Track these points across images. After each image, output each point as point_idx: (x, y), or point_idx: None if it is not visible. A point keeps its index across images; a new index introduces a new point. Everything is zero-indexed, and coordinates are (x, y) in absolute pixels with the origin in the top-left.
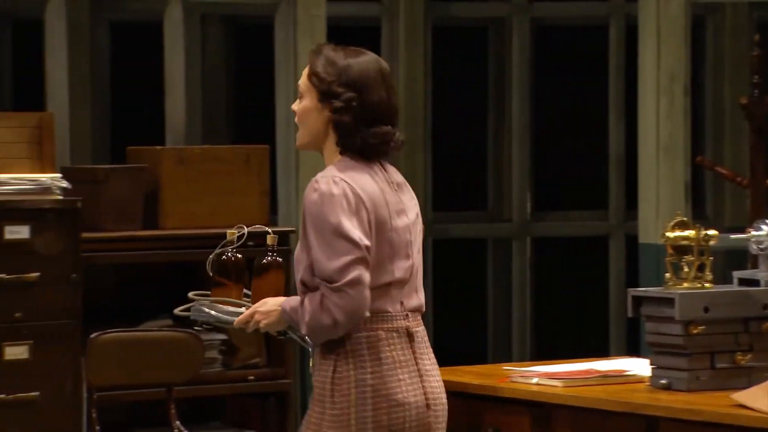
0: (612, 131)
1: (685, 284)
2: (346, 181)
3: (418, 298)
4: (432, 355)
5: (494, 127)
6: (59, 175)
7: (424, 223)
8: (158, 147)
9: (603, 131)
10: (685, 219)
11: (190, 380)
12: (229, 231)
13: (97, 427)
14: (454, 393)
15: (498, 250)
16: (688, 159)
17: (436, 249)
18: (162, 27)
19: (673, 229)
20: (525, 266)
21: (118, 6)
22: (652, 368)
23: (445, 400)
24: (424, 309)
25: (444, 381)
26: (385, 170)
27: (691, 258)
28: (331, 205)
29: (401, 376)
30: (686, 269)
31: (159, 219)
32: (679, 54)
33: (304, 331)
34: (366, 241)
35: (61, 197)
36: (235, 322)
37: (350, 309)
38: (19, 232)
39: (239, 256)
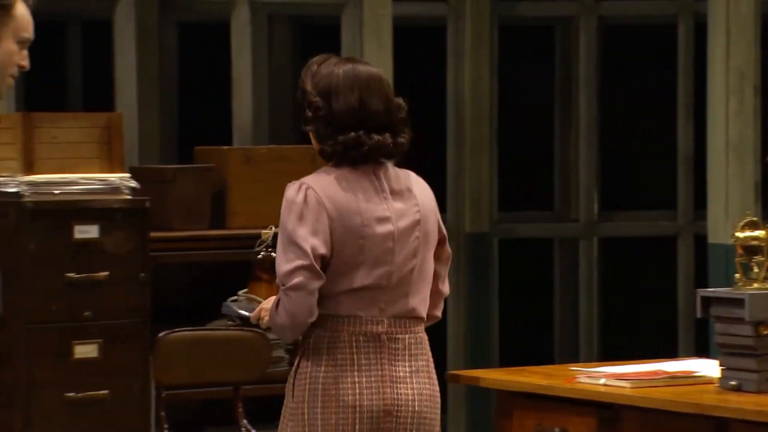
0: (680, 130)
1: (755, 285)
2: (312, 188)
3: (407, 303)
4: (419, 363)
5: (561, 127)
6: (128, 174)
7: (490, 222)
8: (225, 147)
9: (671, 130)
10: (755, 219)
11: (257, 379)
12: (263, 231)
13: (166, 426)
14: (521, 393)
15: (565, 250)
16: (757, 158)
17: (502, 249)
18: (229, 27)
19: (742, 229)
20: (592, 266)
21: (186, 6)
22: (722, 369)
23: (420, 409)
24: (421, 315)
25: (510, 381)
26: (381, 177)
27: (762, 258)
28: (289, 211)
29: (357, 379)
30: (756, 269)
31: (226, 218)
32: (748, 53)
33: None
34: (320, 250)
35: (129, 197)
36: (250, 318)
37: (291, 311)
38: (89, 231)
39: (273, 254)
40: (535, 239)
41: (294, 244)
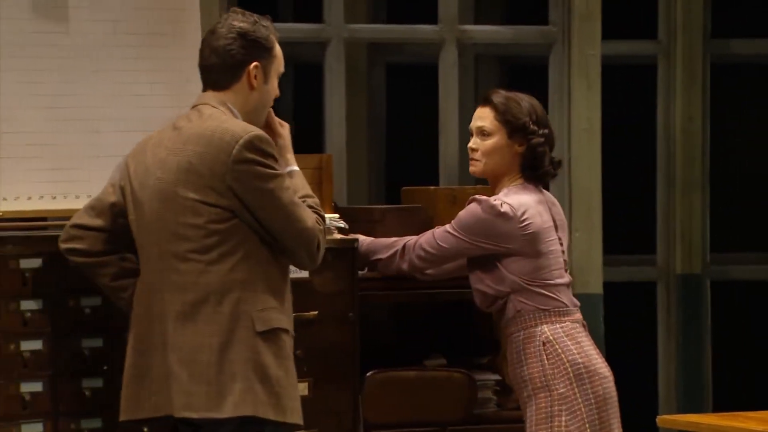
0: None
1: None
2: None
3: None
4: None
5: None
6: (337, 215)
7: (702, 263)
8: (432, 187)
9: None
10: None
11: (464, 419)
12: None
13: None
14: None
15: None
16: None
17: (715, 291)
18: (437, 68)
19: None
20: None
21: (394, 49)
22: None
23: None
24: None
25: (724, 426)
26: (543, 192)
27: None
28: (479, 218)
29: (597, 356)
30: None
31: None
32: None
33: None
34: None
35: (339, 237)
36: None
37: None
38: (299, 271)
39: None
40: (750, 281)
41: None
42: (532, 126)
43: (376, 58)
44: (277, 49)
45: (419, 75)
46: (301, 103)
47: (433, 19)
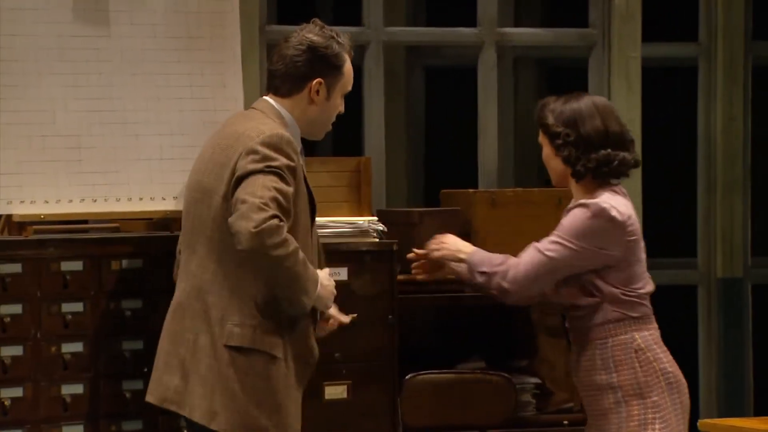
0: None
1: None
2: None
3: None
4: None
5: None
6: (375, 218)
7: (743, 267)
8: (471, 190)
9: None
10: None
11: (503, 423)
12: None
13: None
14: None
15: None
16: None
17: (756, 295)
18: (476, 71)
19: None
20: None
21: (432, 51)
22: None
23: None
24: None
25: (766, 430)
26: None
27: None
28: (591, 226)
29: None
30: None
31: None
32: None
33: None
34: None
35: (377, 240)
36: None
37: None
38: (338, 273)
39: None
40: None
41: None
42: (555, 128)
43: (414, 61)
44: (347, 68)
45: (458, 78)
46: None
47: (472, 21)
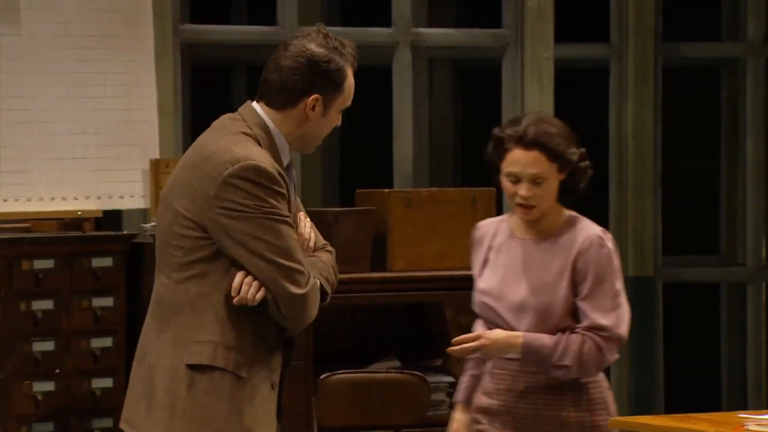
0: None
1: None
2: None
3: None
4: None
5: (727, 169)
6: None
7: (654, 266)
8: (386, 190)
9: None
10: None
11: (418, 422)
12: None
13: None
14: None
15: (732, 294)
16: None
17: (667, 293)
18: (390, 71)
19: None
20: (760, 311)
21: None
22: None
23: None
24: None
25: (676, 428)
26: None
27: None
28: (617, 260)
29: None
30: None
31: (387, 261)
32: None
33: (563, 370)
34: None
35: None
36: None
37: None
38: None
39: None
40: (701, 283)
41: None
42: (578, 155)
43: None
44: (348, 84)
45: (373, 78)
46: None
47: (386, 22)
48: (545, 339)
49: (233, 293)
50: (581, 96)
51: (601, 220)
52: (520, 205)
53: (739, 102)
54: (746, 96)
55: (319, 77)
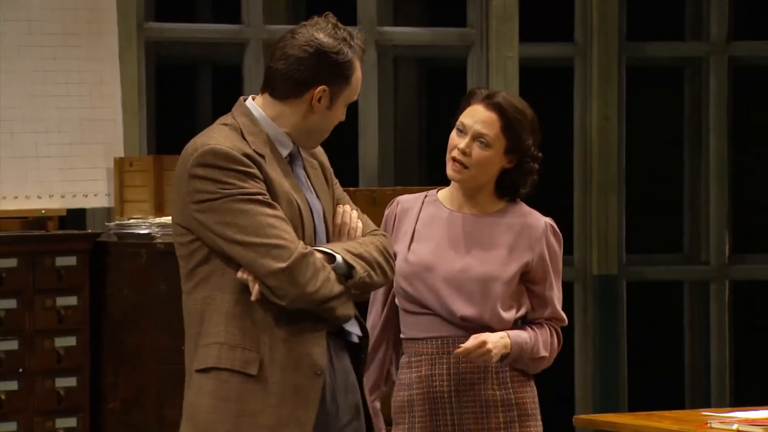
0: None
1: None
2: None
3: None
4: None
5: (691, 168)
6: None
7: (618, 264)
8: (352, 188)
9: None
10: None
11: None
12: None
13: None
14: None
15: (695, 293)
16: None
17: (630, 291)
18: None
19: None
20: (723, 310)
21: None
22: None
23: None
24: None
25: (640, 425)
26: None
27: None
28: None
29: None
30: None
31: None
32: None
33: (541, 362)
34: None
35: None
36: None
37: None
38: None
39: None
40: (665, 282)
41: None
42: (533, 150)
43: None
44: (356, 77)
45: None
46: (221, 103)
47: (352, 20)
48: (524, 334)
49: (253, 298)
50: (546, 95)
51: (565, 219)
52: (454, 159)
53: (702, 101)
54: (709, 95)
55: (327, 68)
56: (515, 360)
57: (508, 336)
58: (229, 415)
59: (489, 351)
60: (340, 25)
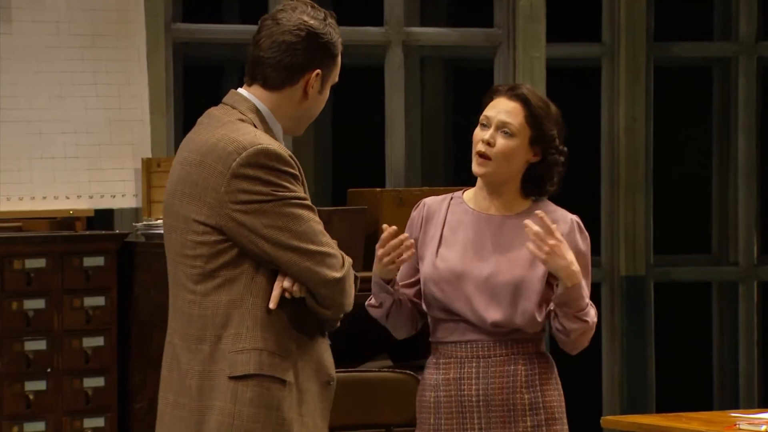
0: None
1: None
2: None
3: None
4: None
5: (719, 168)
6: None
7: (646, 265)
8: (378, 189)
9: None
10: None
11: (409, 421)
12: None
13: None
14: None
15: (723, 294)
16: None
17: (658, 292)
18: (383, 70)
19: None
20: (752, 311)
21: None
22: None
23: None
24: None
25: (668, 427)
26: None
27: None
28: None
29: None
30: None
31: None
32: None
33: (582, 328)
34: None
35: None
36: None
37: None
38: None
39: None
40: (693, 283)
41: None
42: (557, 142)
43: None
44: (339, 56)
45: (365, 77)
46: None
47: (378, 21)
48: (585, 290)
49: (272, 305)
50: (573, 95)
51: (593, 219)
52: (479, 153)
53: (731, 101)
54: (738, 95)
55: (320, 51)
56: (566, 302)
57: (578, 275)
58: (269, 424)
59: (558, 242)
60: (314, 4)
